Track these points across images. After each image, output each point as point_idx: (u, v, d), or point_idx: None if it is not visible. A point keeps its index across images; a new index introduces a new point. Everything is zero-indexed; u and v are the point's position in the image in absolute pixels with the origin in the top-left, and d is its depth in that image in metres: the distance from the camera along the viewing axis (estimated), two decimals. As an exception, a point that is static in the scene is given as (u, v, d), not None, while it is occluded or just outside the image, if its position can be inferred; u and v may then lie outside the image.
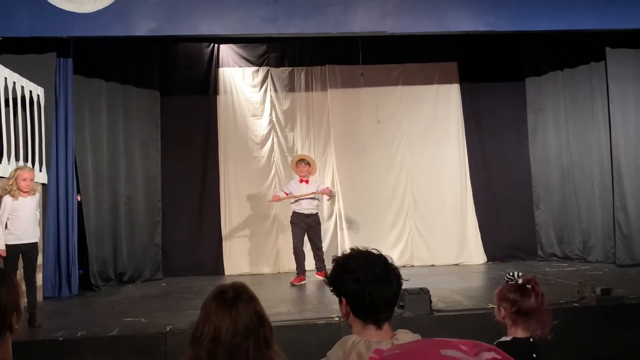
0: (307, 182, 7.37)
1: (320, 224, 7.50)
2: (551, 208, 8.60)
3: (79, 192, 7.18)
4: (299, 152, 8.81)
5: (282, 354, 1.74)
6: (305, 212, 7.26)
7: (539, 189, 8.73)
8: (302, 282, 7.12)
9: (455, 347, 1.04)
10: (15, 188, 5.15)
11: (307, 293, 6.65)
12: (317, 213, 7.44)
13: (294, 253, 7.28)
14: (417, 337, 1.68)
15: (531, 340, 2.40)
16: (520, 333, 2.41)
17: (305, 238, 7.33)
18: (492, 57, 8.72)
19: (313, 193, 7.29)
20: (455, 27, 7.03)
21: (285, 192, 7.46)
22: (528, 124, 8.84)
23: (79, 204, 7.14)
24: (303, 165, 7.40)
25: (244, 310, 1.68)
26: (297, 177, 7.47)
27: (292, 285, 7.05)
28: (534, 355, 2.38)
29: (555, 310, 4.68)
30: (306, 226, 7.24)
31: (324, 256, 7.26)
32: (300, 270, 7.22)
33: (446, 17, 6.96)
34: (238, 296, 1.72)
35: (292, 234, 7.30)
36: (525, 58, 8.80)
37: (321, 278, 6.90)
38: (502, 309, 2.43)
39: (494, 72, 8.82)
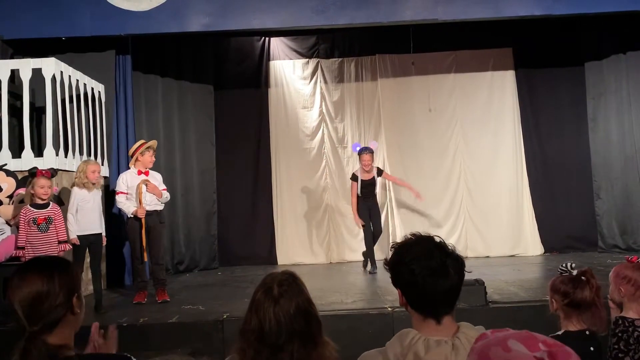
0: (147, 173, 5.90)
1: (163, 222, 6.02)
2: (613, 197, 8.25)
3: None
4: (349, 143, 8.75)
5: (332, 343, 1.72)
6: (148, 208, 5.76)
7: (599, 178, 8.38)
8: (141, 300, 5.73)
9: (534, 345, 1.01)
10: (85, 180, 5.40)
11: (359, 283, 6.67)
12: (161, 210, 5.93)
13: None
14: (481, 329, 1.57)
15: (587, 332, 2.31)
16: (572, 326, 2.32)
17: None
18: (548, 42, 8.42)
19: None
20: (510, 12, 6.83)
21: (122, 192, 5.79)
22: (588, 111, 8.48)
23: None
24: (154, 155, 5.94)
25: (287, 305, 1.67)
26: (132, 170, 5.93)
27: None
28: (591, 349, 2.28)
29: (618, 303, 4.55)
30: (146, 228, 5.73)
31: None
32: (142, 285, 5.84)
33: (500, 1, 6.77)
34: (282, 293, 1.69)
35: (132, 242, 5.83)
36: (585, 42, 8.41)
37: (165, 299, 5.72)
38: (555, 301, 2.38)
39: (551, 58, 8.50)
